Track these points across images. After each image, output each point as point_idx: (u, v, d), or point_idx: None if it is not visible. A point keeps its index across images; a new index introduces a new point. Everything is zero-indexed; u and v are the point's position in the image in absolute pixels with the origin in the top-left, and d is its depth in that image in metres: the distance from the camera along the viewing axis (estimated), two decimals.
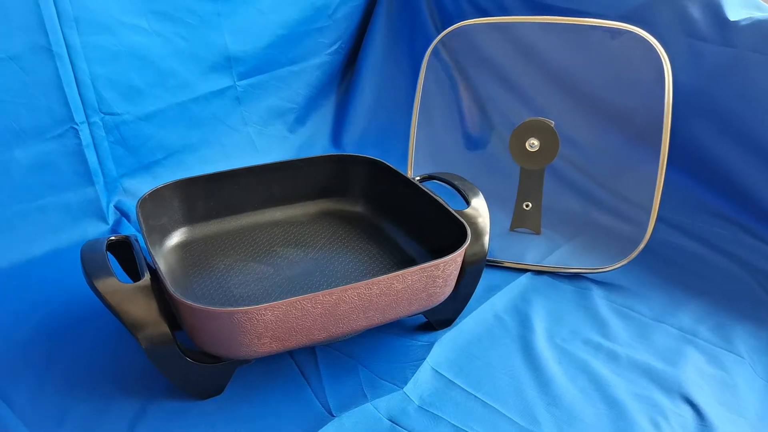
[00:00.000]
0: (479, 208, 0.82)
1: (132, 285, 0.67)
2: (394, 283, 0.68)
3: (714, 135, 0.97)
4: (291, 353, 0.77)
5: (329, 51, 1.39)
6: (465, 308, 0.83)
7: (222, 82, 1.21)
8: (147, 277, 0.68)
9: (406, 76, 1.36)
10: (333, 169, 0.96)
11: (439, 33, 0.99)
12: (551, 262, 0.94)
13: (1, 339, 0.80)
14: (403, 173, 0.89)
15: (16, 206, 0.97)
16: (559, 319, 0.83)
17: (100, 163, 1.05)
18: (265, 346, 0.65)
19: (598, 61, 0.95)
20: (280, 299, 0.62)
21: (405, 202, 0.88)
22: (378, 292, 0.68)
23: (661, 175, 0.86)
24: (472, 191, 0.85)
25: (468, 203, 0.83)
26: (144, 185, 1.11)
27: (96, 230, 1.03)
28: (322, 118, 1.40)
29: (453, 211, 0.79)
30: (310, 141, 1.35)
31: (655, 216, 0.87)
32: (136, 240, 0.77)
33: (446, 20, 1.33)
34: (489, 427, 0.66)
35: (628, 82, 0.92)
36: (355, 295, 0.66)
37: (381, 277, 0.67)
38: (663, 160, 0.86)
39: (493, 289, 0.88)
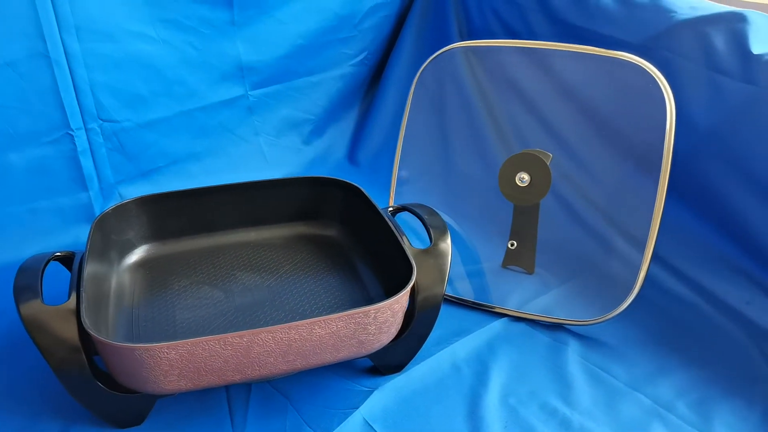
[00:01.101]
0: (441, 247, 0.76)
1: (52, 308, 0.66)
2: (314, 329, 0.64)
3: (728, 177, 0.86)
4: (226, 386, 0.74)
5: (353, 62, 1.35)
6: (421, 352, 0.78)
7: (233, 91, 1.20)
8: (72, 299, 0.67)
9: None
10: (309, 192, 0.92)
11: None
12: (534, 309, 0.86)
13: None
14: (373, 202, 0.84)
15: (9, 208, 0.99)
16: (521, 376, 0.76)
17: (96, 169, 1.06)
18: (173, 384, 0.63)
19: (600, 91, 0.86)
20: (219, 330, 0.60)
21: (372, 232, 0.84)
22: (297, 337, 0.63)
23: (656, 222, 0.78)
24: (438, 228, 0.79)
25: (431, 241, 0.77)
26: (142, 192, 1.10)
27: (87, 235, 1.03)
28: (341, 131, 1.36)
29: (407, 250, 0.74)
30: (325, 154, 1.32)
31: (646, 269, 0.79)
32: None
33: (474, 37, 1.26)
34: None
35: (631, 115, 0.83)
36: (269, 339, 0.63)
37: (300, 322, 0.63)
38: (659, 203, 0.77)
39: (460, 334, 0.82)
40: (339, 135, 1.36)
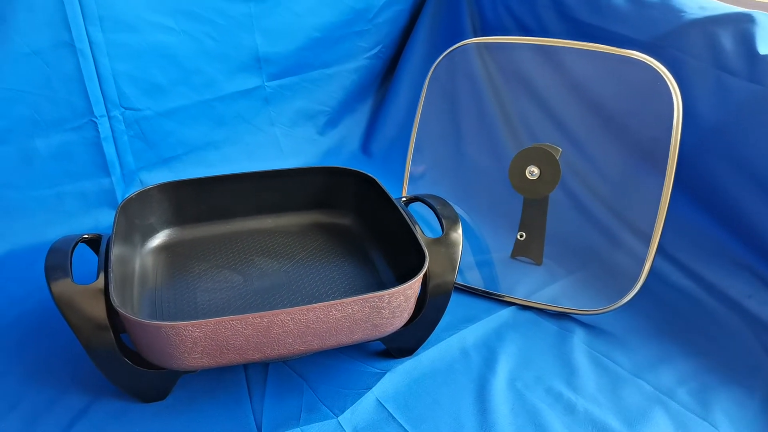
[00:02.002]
0: (452, 237, 0.79)
1: (82, 287, 0.69)
2: (331, 311, 0.67)
3: (733, 174, 0.88)
4: (245, 365, 0.77)
5: (368, 55, 1.38)
6: (432, 338, 0.80)
7: (250, 82, 1.23)
8: (100, 279, 0.70)
9: None
10: (325, 181, 0.95)
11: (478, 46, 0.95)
12: (541, 298, 0.89)
13: None
14: (386, 191, 0.87)
15: (34, 192, 1.03)
16: (528, 362, 0.79)
17: (118, 155, 1.09)
18: (197, 360, 0.66)
19: (608, 88, 0.89)
20: (238, 311, 0.62)
21: (386, 221, 0.87)
22: (314, 318, 0.66)
23: (661, 216, 0.80)
24: (450, 218, 0.81)
25: (443, 231, 0.80)
26: (162, 179, 1.14)
27: (108, 219, 1.07)
28: (355, 123, 1.39)
29: (420, 239, 0.77)
30: (340, 145, 1.35)
31: (651, 262, 0.81)
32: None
33: (487, 33, 1.29)
34: None
35: (639, 112, 0.86)
36: (288, 320, 0.66)
37: (317, 305, 0.66)
38: (665, 199, 0.80)
39: (469, 321, 0.85)
40: (353, 126, 1.39)
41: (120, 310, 0.64)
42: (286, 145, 1.29)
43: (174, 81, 1.13)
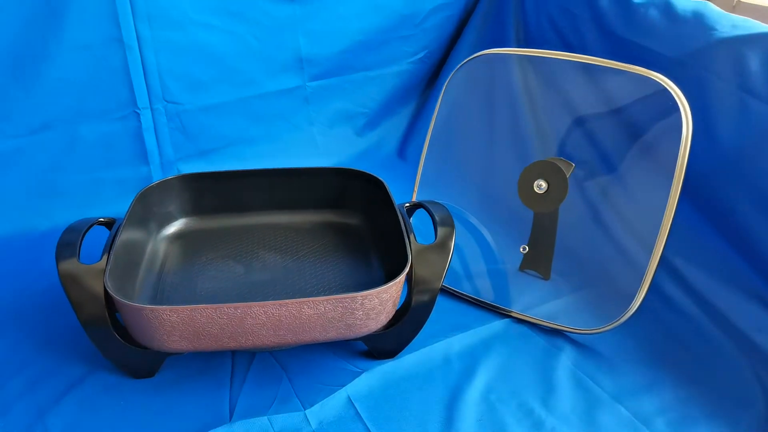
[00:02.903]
0: (443, 245, 0.80)
1: (85, 266, 0.75)
2: (303, 308, 0.69)
3: (751, 199, 0.85)
4: (233, 352, 0.81)
5: (412, 60, 1.39)
6: (417, 342, 0.82)
7: (291, 81, 1.27)
8: (103, 260, 0.76)
9: None
10: (338, 182, 0.98)
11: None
12: (539, 313, 0.89)
13: (21, 291, 0.92)
14: (391, 196, 0.89)
15: (77, 176, 1.11)
16: (508, 375, 0.79)
17: (158, 146, 1.16)
18: (176, 343, 0.70)
19: (620, 105, 0.87)
20: (231, 301, 0.66)
21: (386, 225, 0.88)
22: (287, 314, 0.69)
23: (661, 241, 0.78)
24: (445, 227, 0.82)
25: (435, 238, 0.81)
26: (199, 170, 1.20)
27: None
28: (394, 126, 1.41)
29: (409, 244, 0.78)
30: (376, 147, 1.38)
31: (648, 284, 0.79)
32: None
33: (529, 43, 1.28)
34: None
35: (650, 129, 0.84)
36: (261, 313, 0.69)
37: (289, 300, 0.69)
38: (666, 222, 0.78)
39: (459, 329, 0.86)
40: (392, 130, 1.41)
41: (109, 291, 0.69)
42: (322, 144, 1.33)
43: (216, 78, 1.19)
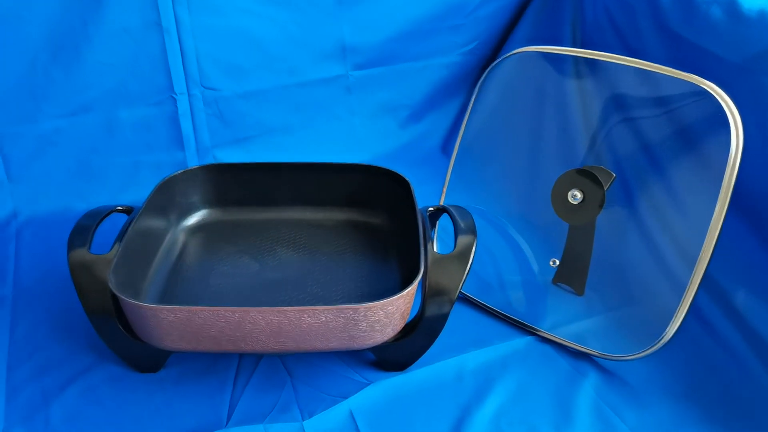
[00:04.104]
0: (461, 255, 0.75)
1: (95, 256, 0.74)
2: (303, 317, 0.67)
3: None
4: (240, 354, 0.79)
5: (462, 51, 1.34)
6: (432, 355, 0.78)
7: (333, 70, 1.24)
8: (113, 251, 0.75)
9: None
10: (364, 179, 0.94)
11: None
12: (566, 333, 0.83)
13: (48, 273, 0.93)
14: (414, 198, 0.85)
15: (115, 159, 1.12)
16: (522, 399, 0.74)
17: (195, 131, 1.16)
18: (175, 343, 0.69)
19: (665, 112, 0.80)
20: (241, 299, 0.65)
21: (408, 228, 0.84)
22: (286, 321, 0.67)
23: (702, 266, 0.71)
24: (466, 235, 0.77)
25: (454, 246, 0.77)
26: (235, 157, 1.20)
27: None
28: (440, 120, 1.36)
29: (425, 253, 0.74)
30: (419, 141, 1.33)
31: (684, 313, 0.72)
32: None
33: (585, 41, 1.20)
34: None
35: (699, 142, 0.77)
36: (260, 318, 0.67)
37: (288, 308, 0.66)
38: (709, 245, 0.71)
39: (478, 344, 0.82)
40: (437, 123, 1.36)
41: (112, 286, 0.68)
42: (363, 135, 1.29)
43: (255, 64, 1.17)
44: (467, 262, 0.75)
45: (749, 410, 0.72)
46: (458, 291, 0.74)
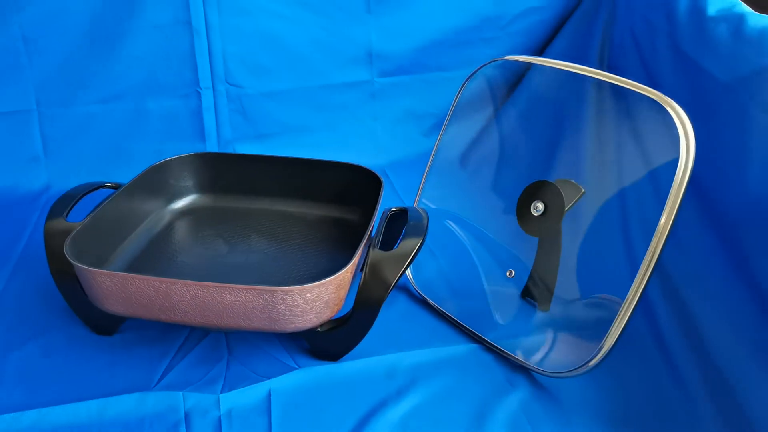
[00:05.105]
0: (400, 254, 0.76)
1: (68, 224, 0.81)
2: (224, 294, 0.70)
3: None
4: (192, 328, 0.84)
5: (494, 64, 1.33)
6: (370, 349, 0.79)
7: (359, 75, 1.28)
8: (83, 221, 0.82)
9: None
10: (347, 177, 0.96)
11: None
12: (513, 345, 0.81)
13: None
14: (380, 196, 0.87)
15: (140, 145, 1.21)
16: (442, 402, 0.73)
17: (217, 125, 1.23)
18: (113, 306, 0.74)
19: (624, 126, 0.77)
20: (197, 278, 0.69)
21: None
22: (209, 296, 0.70)
23: (640, 283, 0.68)
24: (411, 237, 0.78)
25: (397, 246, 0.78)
26: (254, 152, 1.25)
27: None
28: (464, 131, 1.35)
29: (362, 248, 0.76)
30: (438, 150, 1.33)
31: (619, 332, 0.70)
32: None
33: (612, 62, 1.17)
34: None
35: (653, 155, 0.74)
36: (185, 291, 0.71)
37: (210, 284, 0.70)
38: (648, 262, 0.68)
39: (421, 345, 0.81)
40: (461, 134, 1.35)
41: (66, 251, 0.75)
42: (384, 141, 1.32)
43: (280, 65, 1.23)
44: (404, 262, 0.76)
45: None
46: (390, 289, 0.75)
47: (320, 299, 0.72)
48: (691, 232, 0.84)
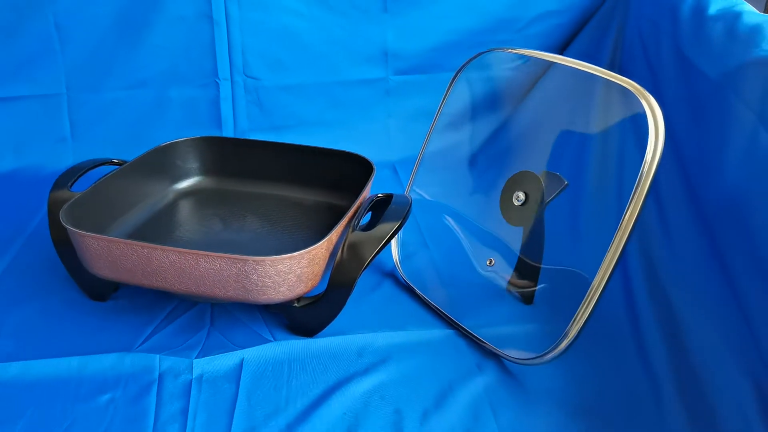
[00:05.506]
0: (376, 236, 0.78)
1: (69, 193, 0.86)
2: (200, 261, 0.73)
3: (742, 244, 0.70)
4: (181, 299, 0.87)
5: (509, 66, 1.34)
6: (346, 328, 0.82)
7: (374, 73, 1.30)
8: (84, 192, 0.86)
9: None
10: (343, 164, 0.99)
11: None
12: (488, 334, 0.82)
13: None
14: (369, 183, 0.89)
15: (160, 131, 1.26)
16: (407, 382, 0.74)
17: (234, 115, 1.27)
18: (101, 270, 0.78)
19: (595, 114, 0.77)
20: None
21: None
22: (185, 263, 0.74)
23: (607, 268, 0.68)
24: (389, 221, 0.80)
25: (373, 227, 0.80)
26: None
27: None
28: (476, 131, 1.36)
29: (340, 227, 0.78)
30: (451, 149, 1.34)
31: (583, 320, 0.70)
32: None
33: (623, 66, 1.17)
34: None
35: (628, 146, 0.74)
36: (164, 257, 0.74)
37: (188, 250, 0.73)
38: (616, 248, 0.68)
39: (397, 327, 0.83)
40: (473, 134, 1.36)
41: (62, 217, 0.79)
42: (397, 137, 1.34)
43: (297, 60, 1.27)
44: (380, 243, 0.77)
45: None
46: (363, 267, 0.76)
47: (292, 272, 0.74)
48: (679, 227, 0.83)
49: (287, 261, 0.73)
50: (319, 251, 0.75)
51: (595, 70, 0.74)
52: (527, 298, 0.88)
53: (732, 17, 0.83)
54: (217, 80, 1.24)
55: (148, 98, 1.25)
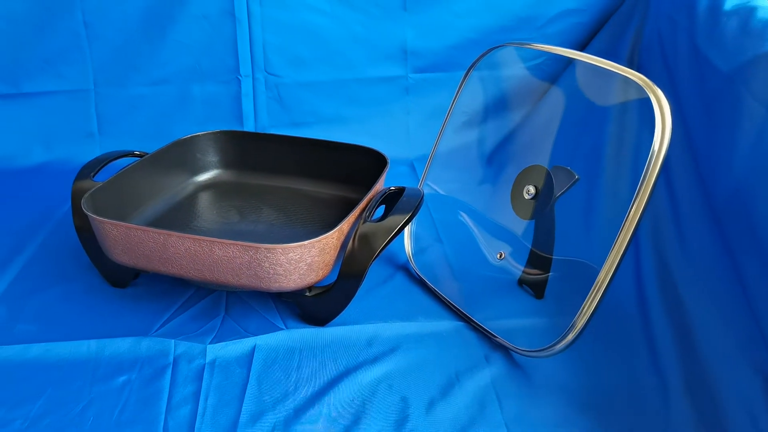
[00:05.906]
0: (386, 226, 0.79)
1: (92, 183, 0.89)
2: (214, 248, 0.75)
3: (745, 238, 0.69)
4: (197, 285, 0.89)
5: (528, 65, 1.34)
6: (358, 318, 0.83)
7: (393, 70, 1.32)
8: (105, 181, 0.89)
9: None
10: (359, 158, 1.00)
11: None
12: (499, 326, 0.82)
13: None
14: (383, 175, 0.90)
15: (183, 126, 1.29)
16: (415, 372, 0.75)
17: (255, 111, 1.30)
18: (120, 256, 0.81)
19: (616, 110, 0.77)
20: None
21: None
22: (200, 250, 0.76)
23: (614, 260, 0.69)
24: (400, 213, 0.81)
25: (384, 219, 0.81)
26: None
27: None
28: (494, 130, 1.37)
29: (352, 217, 0.80)
30: (469, 147, 1.35)
31: (589, 314, 0.70)
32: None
33: (642, 63, 1.17)
34: None
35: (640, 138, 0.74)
36: (179, 243, 0.76)
37: (202, 237, 0.75)
38: (621, 242, 0.68)
39: (406, 318, 0.84)
40: (491, 133, 1.36)
41: (84, 204, 0.82)
42: (415, 134, 1.35)
43: (317, 57, 1.29)
44: (389, 234, 0.79)
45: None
46: (373, 257, 0.78)
47: (303, 261, 0.76)
48: (691, 221, 0.83)
49: (298, 249, 0.74)
50: (330, 240, 0.77)
51: (604, 63, 0.74)
52: (538, 292, 0.88)
53: (746, 12, 0.83)
54: (239, 77, 1.27)
55: (172, 94, 1.28)
